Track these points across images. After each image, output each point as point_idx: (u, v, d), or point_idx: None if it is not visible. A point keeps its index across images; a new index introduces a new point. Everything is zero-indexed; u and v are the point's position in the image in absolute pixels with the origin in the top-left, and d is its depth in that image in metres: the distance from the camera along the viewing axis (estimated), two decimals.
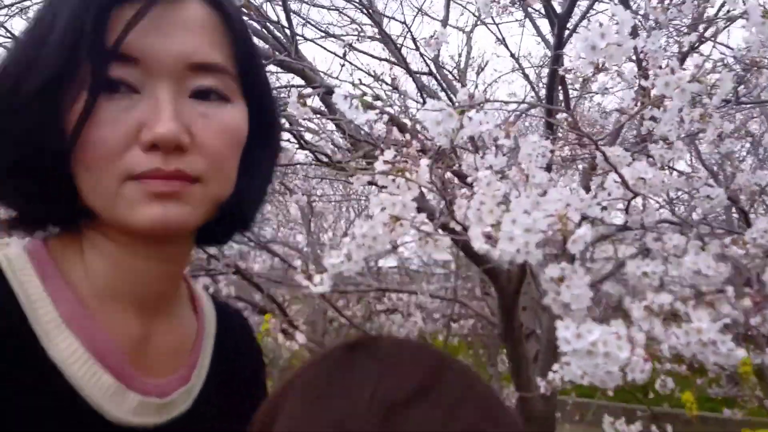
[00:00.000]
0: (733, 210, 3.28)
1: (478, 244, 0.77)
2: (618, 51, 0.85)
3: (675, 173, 1.76)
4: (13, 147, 0.47)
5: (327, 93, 2.21)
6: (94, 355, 0.48)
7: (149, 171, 0.47)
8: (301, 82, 1.93)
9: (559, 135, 1.91)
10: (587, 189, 1.87)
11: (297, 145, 1.52)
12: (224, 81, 0.51)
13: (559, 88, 1.85)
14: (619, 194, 1.44)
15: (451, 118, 0.84)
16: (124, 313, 0.52)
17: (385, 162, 0.98)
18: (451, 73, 4.01)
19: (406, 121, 2.37)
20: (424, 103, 3.40)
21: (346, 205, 5.17)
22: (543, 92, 3.73)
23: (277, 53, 2.05)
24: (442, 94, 3.70)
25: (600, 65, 0.87)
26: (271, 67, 2.02)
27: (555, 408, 4.05)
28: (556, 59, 1.70)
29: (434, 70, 3.42)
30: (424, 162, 0.97)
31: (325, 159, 1.58)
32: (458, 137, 0.90)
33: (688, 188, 1.60)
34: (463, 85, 3.98)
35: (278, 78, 2.40)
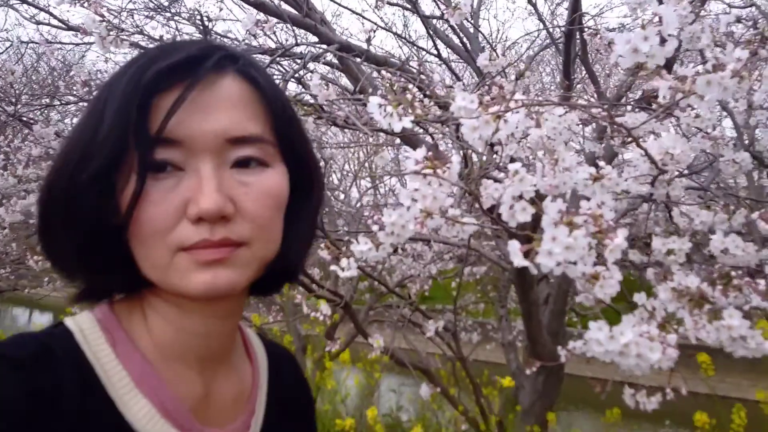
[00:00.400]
0: (757, 179, 3.23)
1: (518, 261, 0.78)
2: (660, 52, 0.83)
3: (699, 135, 1.73)
4: (76, 229, 0.51)
5: (341, 50, 2.16)
6: (164, 415, 0.52)
7: (198, 242, 0.50)
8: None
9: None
10: (609, 160, 1.85)
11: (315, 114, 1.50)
12: (263, 148, 0.54)
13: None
14: (645, 169, 1.42)
15: (488, 125, 0.83)
16: (188, 370, 0.56)
17: (417, 162, 0.97)
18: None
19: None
20: (437, 50, 3.29)
21: (355, 149, 5.16)
22: (557, 32, 3.63)
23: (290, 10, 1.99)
24: (454, 37, 3.61)
25: (641, 65, 0.84)
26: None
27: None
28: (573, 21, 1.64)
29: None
30: (456, 159, 0.97)
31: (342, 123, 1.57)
32: (494, 138, 0.89)
33: (714, 151, 1.58)
34: (476, 27, 3.86)
35: (294, 33, 2.34)
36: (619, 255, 0.84)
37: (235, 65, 0.54)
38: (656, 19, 0.80)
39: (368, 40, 2.22)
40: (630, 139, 1.40)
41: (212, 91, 0.52)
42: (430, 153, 0.99)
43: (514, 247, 0.78)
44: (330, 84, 1.26)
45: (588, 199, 0.86)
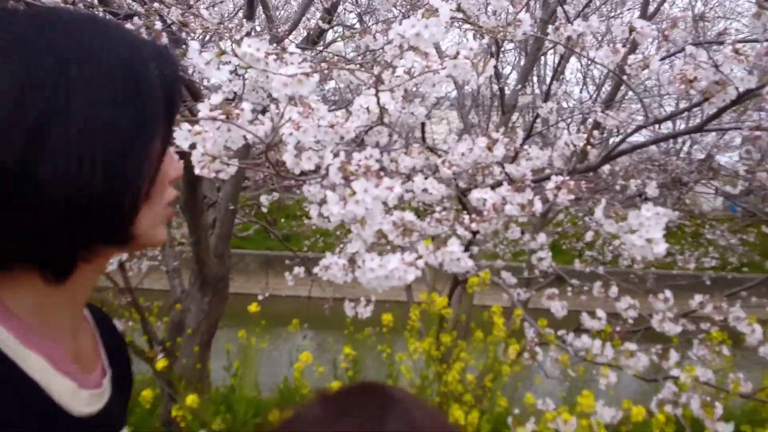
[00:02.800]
0: None
1: (336, 210, 0.90)
2: None
3: None
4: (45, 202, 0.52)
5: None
6: (55, 367, 0.57)
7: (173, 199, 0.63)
8: None
9: None
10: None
11: None
12: None
13: None
14: (364, 120, 1.65)
15: (302, 84, 0.91)
16: (63, 331, 0.61)
17: (212, 107, 0.98)
18: None
19: None
20: None
21: None
22: None
23: None
24: None
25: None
26: None
27: (229, 271, 4.37)
28: None
29: None
30: (247, 106, 1.01)
31: None
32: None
33: None
34: None
35: None
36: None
37: None
38: None
39: None
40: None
41: None
42: (224, 99, 1.01)
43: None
44: None
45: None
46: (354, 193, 0.91)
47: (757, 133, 1.88)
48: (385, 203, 1.06)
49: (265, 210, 4.90)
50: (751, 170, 5.80)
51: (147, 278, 4.90)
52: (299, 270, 3.73)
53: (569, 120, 5.49)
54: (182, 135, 1.03)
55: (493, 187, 1.55)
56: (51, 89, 0.50)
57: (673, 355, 2.00)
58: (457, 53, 1.16)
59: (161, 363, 3.00)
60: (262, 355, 4.70)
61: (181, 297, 4.30)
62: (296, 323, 4.09)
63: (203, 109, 0.99)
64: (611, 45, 1.68)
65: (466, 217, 1.44)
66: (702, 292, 2.31)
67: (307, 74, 0.94)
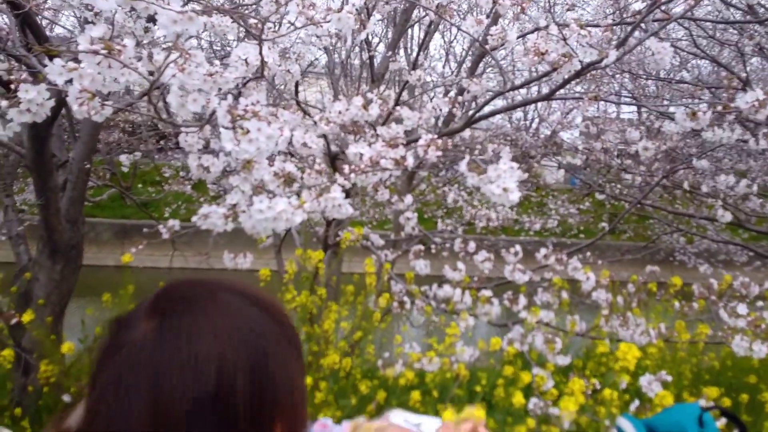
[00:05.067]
0: None
1: (229, 146, 0.93)
2: None
3: None
4: None
5: None
6: None
7: None
8: None
9: None
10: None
11: None
12: None
13: None
14: (242, 71, 1.65)
15: (191, 22, 0.92)
16: None
17: (93, 40, 0.96)
18: None
19: None
20: None
21: None
22: None
23: None
24: None
25: None
26: None
27: (83, 237, 4.12)
28: None
29: None
30: (130, 43, 1.00)
31: None
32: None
33: None
34: None
35: None
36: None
37: None
38: None
39: None
40: None
41: None
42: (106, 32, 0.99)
43: (226, 137, 0.93)
44: None
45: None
46: (248, 131, 0.94)
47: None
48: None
49: (125, 170, 4.62)
50: (588, 146, 6.47)
51: None
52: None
53: (432, 93, 5.75)
54: (55, 69, 1.00)
55: (369, 144, 1.64)
56: None
57: (522, 300, 2.26)
58: (341, 7, 1.22)
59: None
60: None
61: (28, 265, 3.96)
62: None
63: (83, 42, 0.96)
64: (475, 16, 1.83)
65: (346, 167, 1.51)
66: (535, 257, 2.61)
67: (196, 12, 0.95)
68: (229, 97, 1.19)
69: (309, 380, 2.03)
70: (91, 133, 3.88)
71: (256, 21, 1.27)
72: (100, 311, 4.33)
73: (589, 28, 1.82)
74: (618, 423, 1.01)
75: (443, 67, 8.95)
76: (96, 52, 0.96)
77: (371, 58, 4.21)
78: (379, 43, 7.09)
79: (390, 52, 3.93)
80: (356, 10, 1.32)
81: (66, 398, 2.48)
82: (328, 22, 1.23)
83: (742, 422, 1.05)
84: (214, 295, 0.63)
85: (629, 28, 1.81)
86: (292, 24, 1.30)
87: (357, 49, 5.99)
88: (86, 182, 4.03)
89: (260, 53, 1.42)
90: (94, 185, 4.93)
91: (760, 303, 2.08)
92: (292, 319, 0.68)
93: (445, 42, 9.38)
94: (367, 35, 4.00)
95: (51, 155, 3.59)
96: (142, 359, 0.56)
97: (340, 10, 1.22)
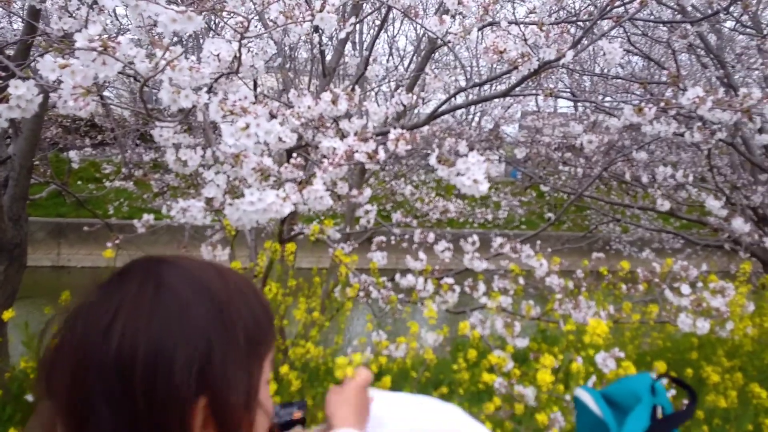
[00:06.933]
0: None
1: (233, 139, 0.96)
2: None
3: None
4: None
5: None
6: None
7: None
8: None
9: None
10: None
11: None
12: None
13: None
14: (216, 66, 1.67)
15: (191, 21, 0.95)
16: None
17: (91, 39, 0.98)
18: None
19: None
20: None
21: None
22: None
23: None
24: None
25: None
26: None
27: (26, 236, 3.99)
28: None
29: None
30: (125, 40, 1.02)
31: None
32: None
33: None
34: None
35: None
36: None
37: None
38: None
39: None
40: None
41: None
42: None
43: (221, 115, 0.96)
44: None
45: None
46: (247, 126, 0.98)
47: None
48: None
49: (75, 166, 4.47)
50: (531, 139, 6.70)
51: None
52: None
53: (378, 88, 5.82)
54: (47, 65, 1.00)
55: (341, 138, 1.68)
56: None
57: (482, 287, 2.36)
58: (323, 6, 1.26)
59: None
60: None
61: None
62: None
63: (80, 39, 0.97)
64: (439, 15, 1.91)
65: (326, 160, 1.56)
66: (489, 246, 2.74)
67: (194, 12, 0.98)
68: (202, 92, 1.22)
69: (285, 369, 2.07)
70: (33, 129, 3.75)
71: (242, 19, 1.30)
72: (42, 314, 4.19)
73: (544, 28, 1.93)
74: (576, 393, 1.05)
75: (387, 61, 9.04)
76: (94, 49, 0.97)
77: (322, 52, 4.24)
78: (330, 39, 7.09)
79: (341, 48, 3.97)
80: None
81: (29, 398, 2.42)
82: (311, 20, 1.27)
83: (691, 387, 1.13)
84: (167, 269, 0.64)
85: (582, 29, 1.93)
86: (274, 22, 1.34)
87: (301, 42, 5.98)
88: (29, 179, 3.89)
89: (239, 50, 1.45)
90: (33, 182, 4.75)
91: (699, 284, 2.26)
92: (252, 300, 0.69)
93: (388, 36, 9.47)
94: (318, 29, 4.03)
95: None
96: (77, 322, 0.60)
97: (321, 9, 1.26)
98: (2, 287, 3.70)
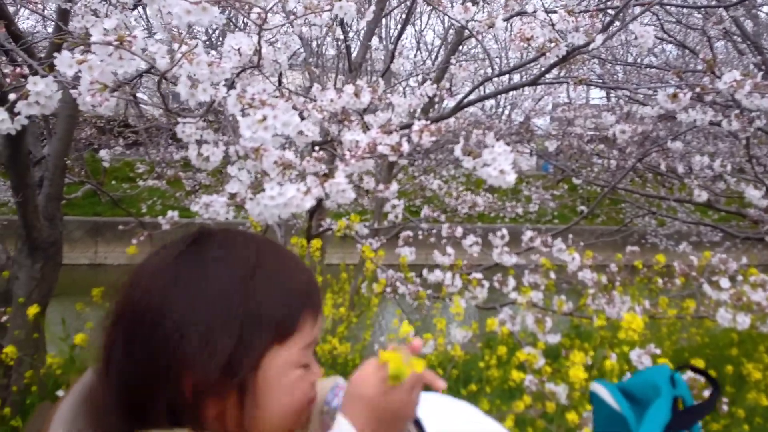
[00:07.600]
0: None
1: (249, 134, 0.94)
2: None
3: None
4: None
5: None
6: None
7: None
8: None
9: None
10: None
11: None
12: None
13: None
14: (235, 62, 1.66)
15: (206, 12, 0.94)
16: None
17: (105, 32, 0.97)
18: None
19: None
20: None
21: None
22: None
23: None
24: None
25: None
26: None
27: (62, 234, 4.06)
28: None
29: None
30: (140, 34, 1.01)
31: None
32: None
33: None
34: None
35: None
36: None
37: None
38: None
39: None
40: None
41: None
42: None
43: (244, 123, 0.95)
44: None
45: None
46: (264, 119, 0.96)
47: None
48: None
49: (106, 165, 4.55)
50: (562, 132, 6.57)
51: None
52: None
53: (406, 81, 5.78)
54: (65, 61, 1.00)
55: (365, 132, 1.66)
56: None
57: (511, 282, 2.31)
58: None
59: None
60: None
61: (7, 264, 3.89)
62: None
63: (95, 33, 0.96)
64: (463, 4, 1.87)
65: (348, 153, 1.53)
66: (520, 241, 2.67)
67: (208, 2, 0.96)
68: (221, 86, 1.20)
69: None
70: (66, 129, 3.82)
71: (259, 11, 1.28)
72: (74, 311, 4.26)
73: (573, 15, 1.86)
74: (592, 388, 1.01)
75: (414, 56, 8.99)
76: (109, 44, 0.96)
77: (348, 47, 4.22)
78: (353, 35, 7.09)
79: (367, 42, 3.95)
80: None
81: (60, 393, 2.46)
82: (329, 10, 1.25)
83: (713, 378, 1.07)
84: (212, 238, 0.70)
85: (612, 14, 1.86)
86: (293, 13, 1.32)
87: (329, 38, 5.98)
88: (63, 179, 3.96)
89: (258, 43, 1.44)
90: (69, 182, 4.85)
91: (739, 278, 2.18)
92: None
93: (416, 31, 9.40)
94: (343, 24, 4.00)
95: (27, 152, 3.53)
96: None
97: None
98: (39, 285, 3.78)
